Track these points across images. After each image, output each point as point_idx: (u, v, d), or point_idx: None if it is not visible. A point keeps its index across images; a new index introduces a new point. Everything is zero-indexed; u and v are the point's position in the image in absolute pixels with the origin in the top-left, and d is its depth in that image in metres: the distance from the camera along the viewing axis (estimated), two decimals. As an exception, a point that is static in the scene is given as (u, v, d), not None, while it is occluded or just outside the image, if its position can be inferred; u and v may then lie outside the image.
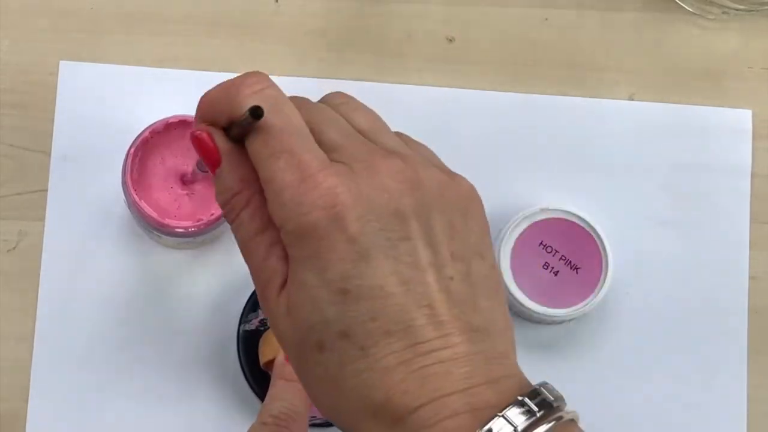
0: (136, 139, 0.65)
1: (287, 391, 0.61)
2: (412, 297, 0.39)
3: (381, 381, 0.38)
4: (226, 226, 0.69)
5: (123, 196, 0.66)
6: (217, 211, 0.65)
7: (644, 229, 0.73)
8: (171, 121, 0.65)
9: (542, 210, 0.70)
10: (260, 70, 0.42)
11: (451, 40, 0.74)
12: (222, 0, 0.73)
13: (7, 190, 0.71)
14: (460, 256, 0.40)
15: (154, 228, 0.66)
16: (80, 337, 0.70)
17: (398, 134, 0.44)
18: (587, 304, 0.69)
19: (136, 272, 0.71)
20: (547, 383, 0.39)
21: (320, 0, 0.74)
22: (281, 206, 0.39)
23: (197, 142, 0.42)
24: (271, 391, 0.62)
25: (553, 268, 0.69)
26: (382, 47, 0.74)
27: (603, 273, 0.69)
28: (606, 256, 0.69)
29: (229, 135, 0.42)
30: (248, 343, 0.69)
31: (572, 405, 0.41)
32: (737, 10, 0.74)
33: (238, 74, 0.42)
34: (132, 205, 0.65)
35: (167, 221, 0.65)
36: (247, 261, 0.42)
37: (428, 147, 0.44)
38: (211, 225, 0.66)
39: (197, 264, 0.71)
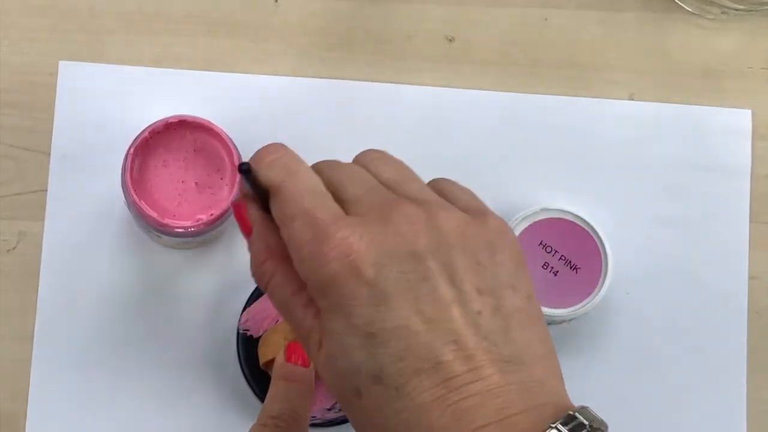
0: (136, 139, 0.65)
1: (287, 391, 0.61)
2: (437, 334, 0.40)
3: (420, 419, 0.39)
4: (226, 226, 0.69)
5: (123, 196, 0.66)
6: (217, 211, 0.65)
7: (644, 229, 0.73)
8: (171, 121, 0.65)
9: (542, 210, 0.70)
10: (278, 143, 0.45)
11: (451, 40, 0.74)
12: (222, 0, 0.74)
13: (7, 190, 0.71)
14: (489, 291, 0.41)
15: (154, 228, 0.66)
16: (80, 337, 0.70)
17: (438, 181, 0.46)
18: (587, 304, 0.69)
19: (136, 272, 0.71)
20: (586, 407, 0.40)
21: (320, 0, 0.74)
22: (302, 263, 0.42)
23: (234, 212, 0.45)
24: (271, 392, 0.62)
25: (552, 268, 0.69)
26: (382, 47, 0.74)
27: (603, 273, 0.69)
28: (606, 256, 0.69)
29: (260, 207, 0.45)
30: (248, 343, 0.69)
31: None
32: (737, 10, 0.74)
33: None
34: (132, 205, 0.65)
35: (167, 221, 0.65)
36: (288, 322, 0.44)
37: (470, 190, 0.45)
38: (211, 225, 0.66)
39: (197, 264, 0.71)
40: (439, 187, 0.45)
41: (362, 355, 0.40)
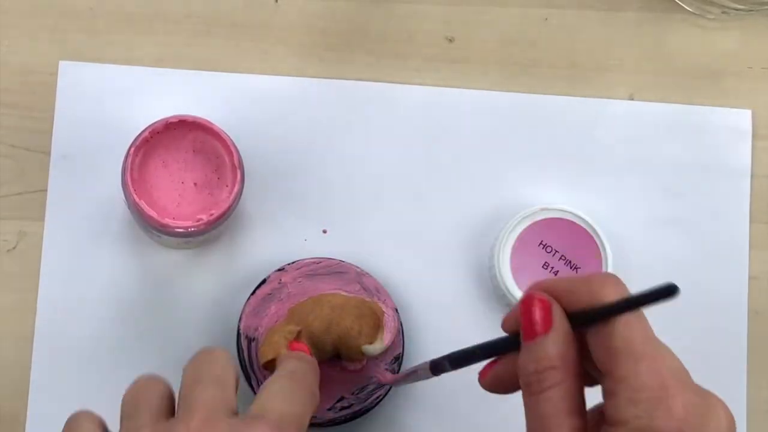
0: (136, 139, 0.65)
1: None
2: None
3: None
4: (226, 226, 0.69)
5: (123, 196, 0.66)
6: (217, 211, 0.65)
7: (644, 229, 0.73)
8: (171, 120, 0.65)
9: (542, 210, 0.70)
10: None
11: (451, 40, 0.74)
12: (222, 0, 0.74)
13: (7, 190, 0.71)
14: None
15: (154, 228, 0.66)
16: (80, 337, 0.70)
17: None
18: (587, 304, 0.69)
19: (136, 272, 0.71)
20: None
21: (320, 0, 0.74)
22: (637, 404, 0.42)
23: (532, 305, 0.45)
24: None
25: (553, 268, 0.69)
26: (382, 47, 0.74)
27: (603, 273, 0.69)
28: (606, 256, 0.69)
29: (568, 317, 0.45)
30: (248, 344, 0.69)
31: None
32: (737, 10, 0.74)
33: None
34: (132, 205, 0.65)
35: (167, 221, 0.65)
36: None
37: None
38: (211, 225, 0.66)
39: (197, 264, 0.71)
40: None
41: None
